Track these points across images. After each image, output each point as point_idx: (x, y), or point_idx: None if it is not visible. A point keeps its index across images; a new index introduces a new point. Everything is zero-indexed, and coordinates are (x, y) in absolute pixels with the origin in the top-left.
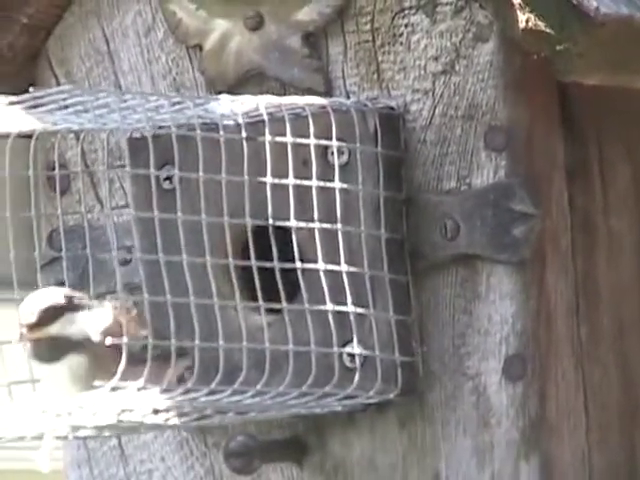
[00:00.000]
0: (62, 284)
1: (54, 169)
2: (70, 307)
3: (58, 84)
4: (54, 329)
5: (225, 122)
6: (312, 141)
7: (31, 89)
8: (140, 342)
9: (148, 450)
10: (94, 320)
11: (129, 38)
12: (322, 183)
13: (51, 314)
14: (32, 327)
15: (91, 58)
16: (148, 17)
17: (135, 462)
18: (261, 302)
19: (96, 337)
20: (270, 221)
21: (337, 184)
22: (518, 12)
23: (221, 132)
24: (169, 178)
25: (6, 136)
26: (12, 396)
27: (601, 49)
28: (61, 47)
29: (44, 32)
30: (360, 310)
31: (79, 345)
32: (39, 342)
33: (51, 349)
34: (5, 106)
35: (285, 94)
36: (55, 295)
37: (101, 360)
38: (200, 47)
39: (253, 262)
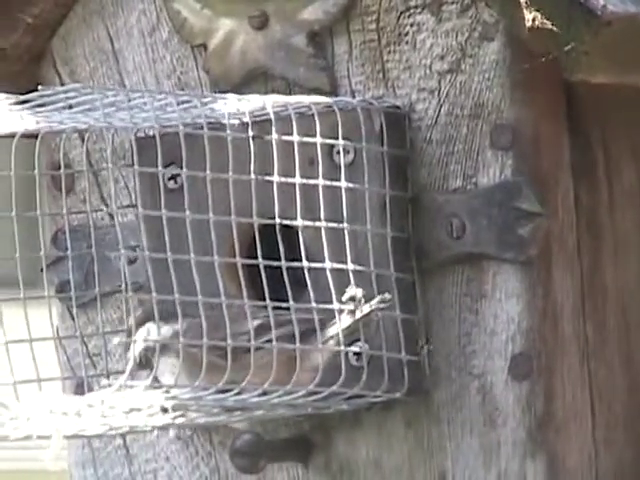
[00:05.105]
0: (67, 283)
1: (59, 169)
2: None
3: (62, 84)
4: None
5: (231, 121)
6: (318, 140)
7: (39, 87)
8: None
9: (153, 450)
10: None
11: (133, 37)
12: (328, 182)
13: None
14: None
15: (95, 57)
16: (152, 16)
17: (140, 462)
18: (268, 301)
19: None
20: (277, 220)
21: (343, 183)
22: (524, 11)
23: (228, 131)
24: (173, 177)
25: (11, 136)
26: (18, 395)
27: (608, 48)
28: (65, 47)
29: (48, 32)
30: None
31: None
32: None
33: None
34: (12, 105)
35: (290, 93)
36: None
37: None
38: (205, 46)
39: (260, 261)
